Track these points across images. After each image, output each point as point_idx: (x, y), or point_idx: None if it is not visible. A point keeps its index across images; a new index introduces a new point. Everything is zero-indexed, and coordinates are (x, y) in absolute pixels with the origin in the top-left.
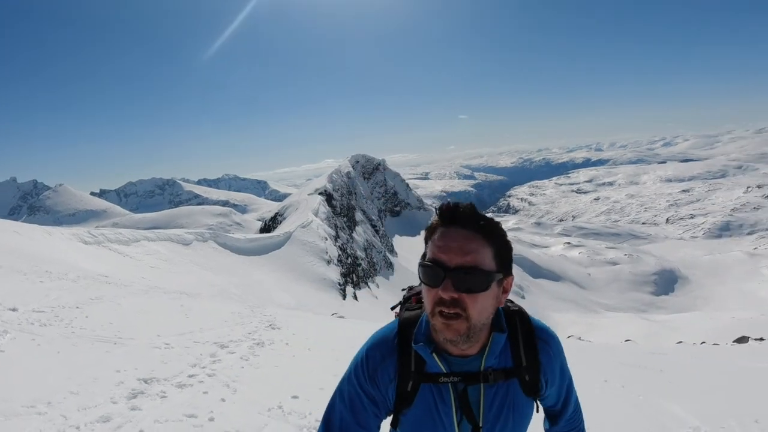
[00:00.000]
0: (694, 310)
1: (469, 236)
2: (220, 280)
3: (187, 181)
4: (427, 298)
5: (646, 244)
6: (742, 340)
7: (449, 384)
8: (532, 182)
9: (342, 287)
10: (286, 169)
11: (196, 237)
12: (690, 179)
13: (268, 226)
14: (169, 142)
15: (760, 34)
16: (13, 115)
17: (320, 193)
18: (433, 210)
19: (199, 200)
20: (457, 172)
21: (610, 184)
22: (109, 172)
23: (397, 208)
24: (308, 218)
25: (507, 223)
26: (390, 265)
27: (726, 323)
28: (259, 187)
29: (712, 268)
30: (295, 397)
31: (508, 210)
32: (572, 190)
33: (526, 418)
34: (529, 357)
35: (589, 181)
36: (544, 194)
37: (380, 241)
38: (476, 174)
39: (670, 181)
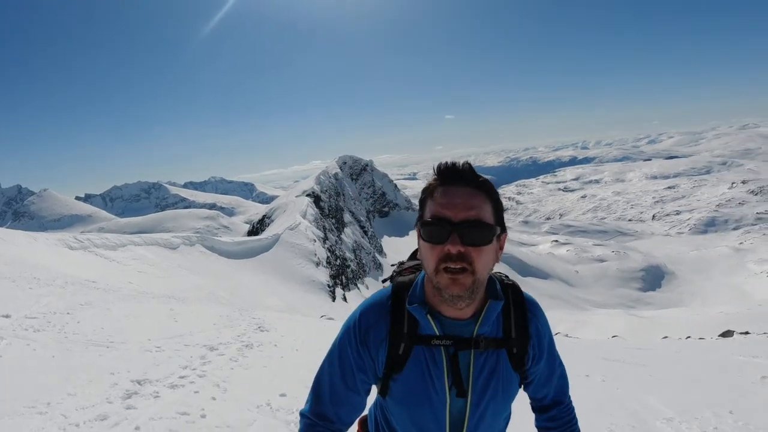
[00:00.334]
0: (681, 305)
1: (471, 192)
2: (208, 283)
3: (174, 184)
4: (430, 256)
5: (633, 241)
6: (727, 334)
7: (441, 347)
8: (519, 181)
9: (331, 289)
10: (274, 170)
11: (183, 241)
12: (675, 176)
13: (256, 228)
14: (155, 145)
15: (743, 32)
16: None
17: (308, 195)
18: None
19: (186, 203)
20: None
21: (597, 181)
22: (94, 176)
23: (386, 209)
24: (296, 220)
25: None
26: (379, 266)
27: (712, 318)
28: (247, 190)
29: (699, 264)
30: (283, 395)
31: None
32: (559, 189)
33: (512, 393)
34: (518, 329)
35: (576, 179)
36: (531, 193)
37: (369, 242)
38: None
39: (655, 178)
